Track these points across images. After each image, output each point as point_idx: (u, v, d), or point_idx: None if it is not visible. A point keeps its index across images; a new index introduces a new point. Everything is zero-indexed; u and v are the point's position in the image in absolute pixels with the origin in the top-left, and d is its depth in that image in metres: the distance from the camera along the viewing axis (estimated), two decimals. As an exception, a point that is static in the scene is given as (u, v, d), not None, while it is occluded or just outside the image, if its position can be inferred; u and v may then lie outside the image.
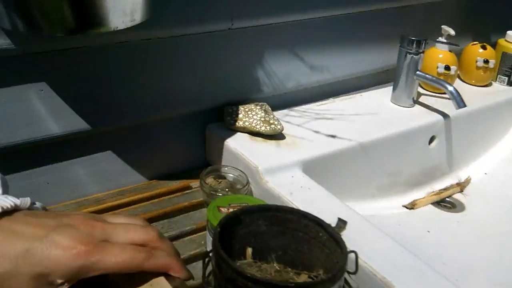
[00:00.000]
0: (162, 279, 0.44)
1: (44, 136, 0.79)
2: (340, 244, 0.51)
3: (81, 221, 0.42)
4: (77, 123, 0.81)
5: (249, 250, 0.55)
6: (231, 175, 0.87)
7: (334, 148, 0.93)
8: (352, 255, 0.51)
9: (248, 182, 0.84)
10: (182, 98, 0.92)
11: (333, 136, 0.97)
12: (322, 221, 0.54)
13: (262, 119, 0.95)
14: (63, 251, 0.38)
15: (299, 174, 0.85)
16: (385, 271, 0.61)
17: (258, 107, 0.98)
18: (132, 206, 0.85)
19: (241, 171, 0.86)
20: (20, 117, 0.75)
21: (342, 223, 0.62)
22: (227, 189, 0.83)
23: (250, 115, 0.96)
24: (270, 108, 0.99)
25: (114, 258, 0.40)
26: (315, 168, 0.88)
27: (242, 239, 0.55)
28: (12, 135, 0.76)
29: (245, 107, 0.98)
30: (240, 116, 0.96)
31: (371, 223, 0.71)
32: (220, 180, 0.87)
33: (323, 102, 1.13)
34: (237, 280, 0.46)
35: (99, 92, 0.82)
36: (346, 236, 0.54)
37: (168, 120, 0.93)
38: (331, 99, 1.15)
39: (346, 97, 1.17)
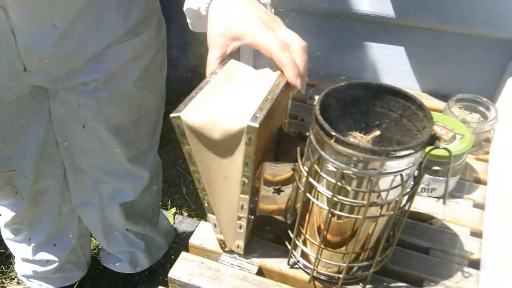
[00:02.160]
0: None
1: (355, 10, 0.88)
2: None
3: (271, 19, 0.58)
4: (385, 8, 0.86)
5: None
6: (481, 108, 0.77)
7: None
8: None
9: (493, 120, 0.73)
10: (499, 20, 0.80)
11: None
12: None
13: None
14: (255, 19, 0.57)
15: None
16: None
17: None
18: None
19: (494, 108, 0.74)
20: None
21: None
22: (472, 123, 0.75)
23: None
24: None
25: (265, 39, 0.55)
26: None
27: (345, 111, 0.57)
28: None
29: None
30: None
31: None
32: (468, 112, 0.78)
33: None
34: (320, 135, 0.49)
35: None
36: None
37: (475, 38, 0.84)
38: None
39: None
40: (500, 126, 0.73)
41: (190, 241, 0.64)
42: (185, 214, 1.69)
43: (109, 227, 1.20)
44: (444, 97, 0.89)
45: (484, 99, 0.77)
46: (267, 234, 0.64)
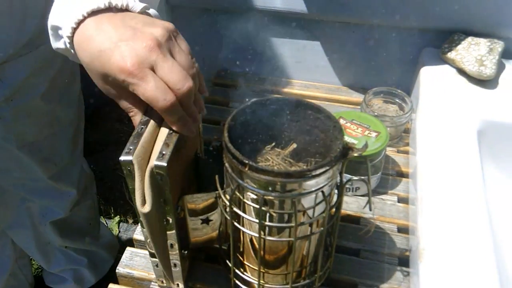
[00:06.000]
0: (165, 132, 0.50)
1: (268, 7, 0.87)
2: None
3: (150, 40, 0.46)
4: (297, 3, 0.85)
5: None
6: (397, 100, 0.79)
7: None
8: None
9: (410, 112, 0.75)
10: (409, 9, 0.82)
11: None
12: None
13: (478, 57, 0.78)
14: (117, 62, 0.45)
15: (464, 135, 0.69)
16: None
17: (488, 44, 0.80)
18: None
19: (409, 99, 0.77)
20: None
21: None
22: (390, 117, 0.76)
23: (471, 49, 0.80)
24: (501, 50, 0.79)
25: (144, 91, 0.45)
26: (498, 139, 0.69)
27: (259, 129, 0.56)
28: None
29: (474, 39, 0.81)
30: (459, 46, 0.81)
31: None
32: (387, 105, 0.80)
33: None
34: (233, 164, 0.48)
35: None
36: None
37: (388, 28, 0.85)
38: None
39: None
40: (418, 117, 0.75)
41: (117, 270, 0.62)
42: (130, 221, 1.65)
43: (46, 246, 1.16)
44: (364, 90, 0.90)
45: (399, 91, 0.79)
46: (198, 254, 0.63)
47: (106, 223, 1.59)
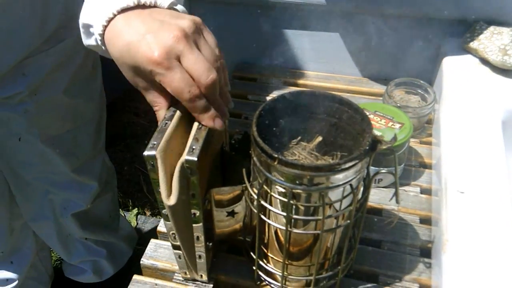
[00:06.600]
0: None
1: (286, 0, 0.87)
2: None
3: (177, 31, 0.47)
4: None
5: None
6: (420, 91, 0.78)
7: None
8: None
9: (433, 102, 0.74)
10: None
11: None
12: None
13: (502, 46, 0.77)
14: (145, 53, 0.46)
15: (488, 126, 0.68)
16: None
17: (511, 33, 0.79)
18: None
19: (432, 90, 0.76)
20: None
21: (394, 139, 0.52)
22: (413, 107, 0.76)
23: (493, 38, 0.79)
24: (526, 38, 0.78)
25: (170, 82, 0.47)
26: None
27: (288, 123, 0.56)
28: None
29: (497, 29, 0.80)
30: (482, 36, 0.80)
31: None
32: (409, 96, 0.80)
33: None
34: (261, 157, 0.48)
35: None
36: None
37: (408, 18, 0.84)
38: None
39: None
40: (441, 107, 0.74)
41: (141, 262, 0.63)
42: (148, 213, 1.67)
43: (66, 238, 1.18)
44: (385, 81, 0.89)
45: (422, 81, 0.78)
46: (221, 245, 0.64)
47: (124, 216, 1.61)
